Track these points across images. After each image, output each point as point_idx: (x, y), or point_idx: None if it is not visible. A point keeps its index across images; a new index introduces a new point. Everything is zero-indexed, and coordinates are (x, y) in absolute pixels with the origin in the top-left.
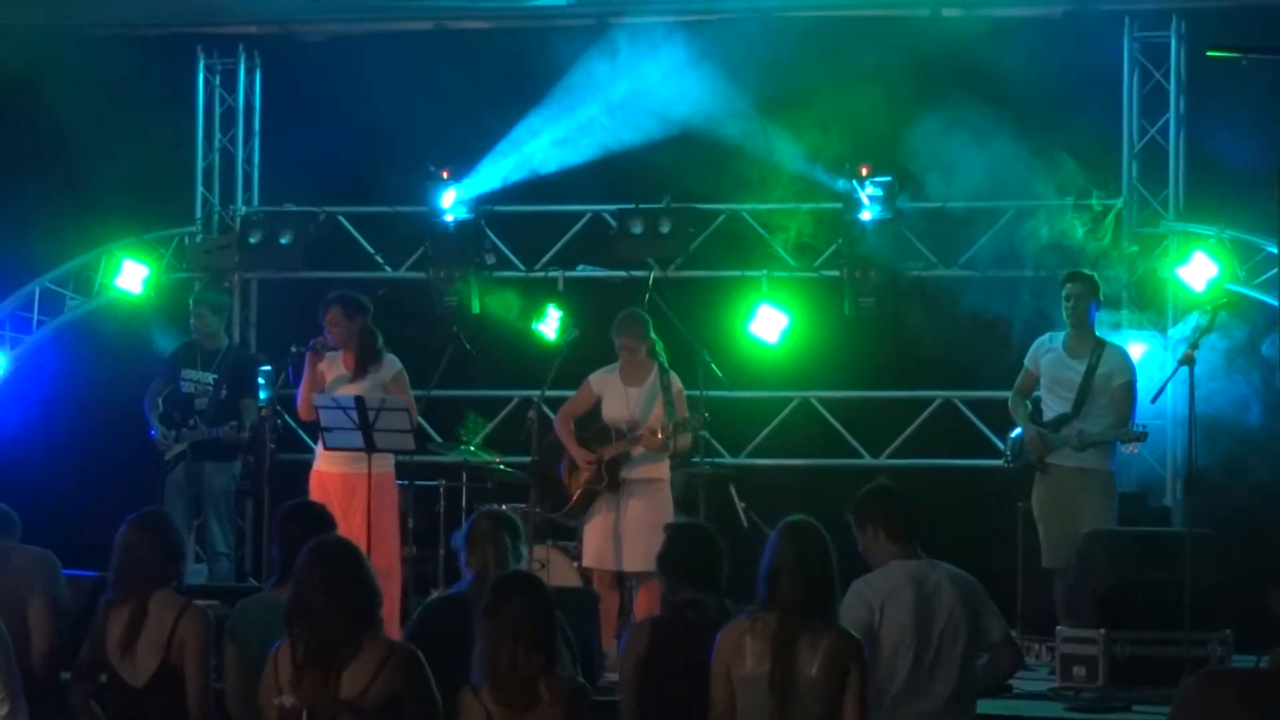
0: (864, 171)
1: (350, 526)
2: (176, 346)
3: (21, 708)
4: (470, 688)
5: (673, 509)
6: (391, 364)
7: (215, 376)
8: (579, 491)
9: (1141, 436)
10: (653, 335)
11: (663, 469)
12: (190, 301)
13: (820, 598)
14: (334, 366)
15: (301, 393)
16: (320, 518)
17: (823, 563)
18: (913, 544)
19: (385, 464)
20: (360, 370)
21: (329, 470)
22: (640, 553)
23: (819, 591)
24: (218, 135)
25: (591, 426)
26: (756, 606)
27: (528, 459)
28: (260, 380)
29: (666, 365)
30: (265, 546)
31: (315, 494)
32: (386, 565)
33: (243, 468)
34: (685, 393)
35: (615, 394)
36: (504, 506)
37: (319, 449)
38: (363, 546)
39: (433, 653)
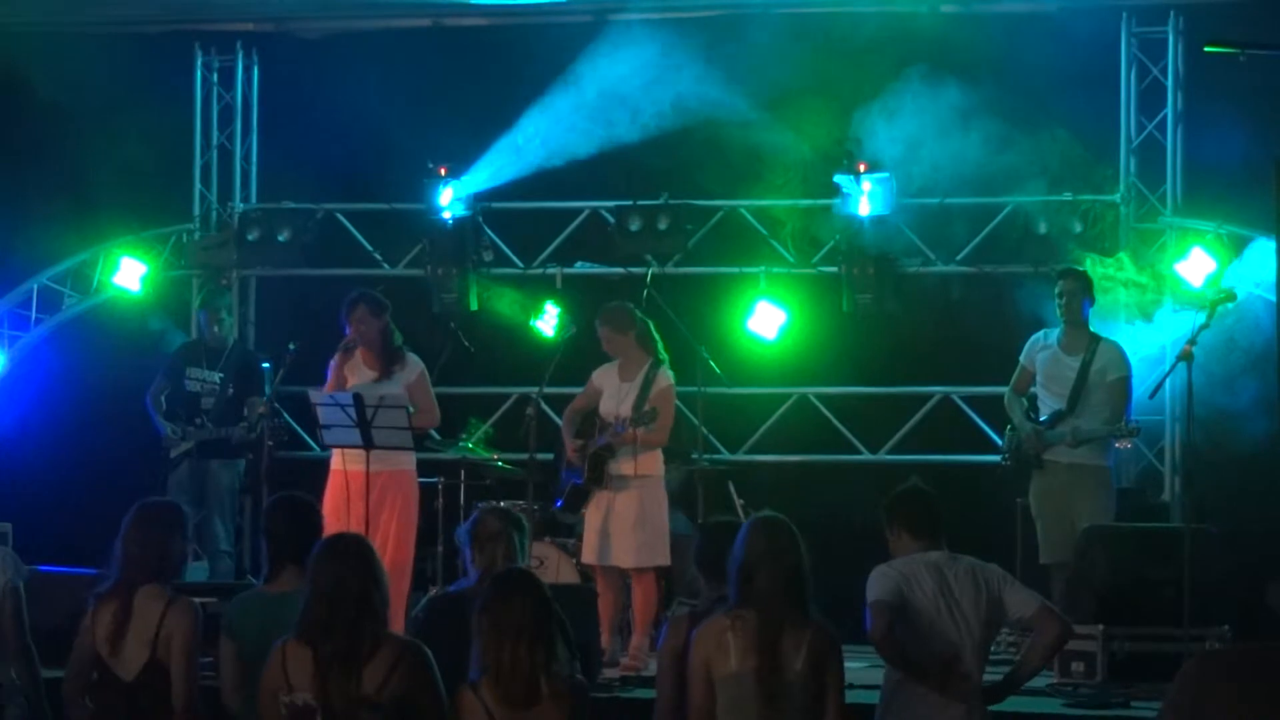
0: (861, 167)
1: (378, 524)
2: (179, 345)
3: None
4: (469, 685)
5: (664, 504)
6: (415, 363)
7: (221, 375)
8: (569, 486)
9: (1134, 432)
10: (643, 327)
11: (648, 464)
12: (199, 303)
13: (796, 591)
14: (356, 368)
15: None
16: (306, 511)
17: (795, 556)
18: (936, 539)
19: (408, 460)
20: (385, 369)
21: (353, 469)
22: (627, 548)
23: (795, 585)
24: (215, 132)
25: (591, 420)
26: (732, 604)
27: (525, 456)
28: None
29: (662, 359)
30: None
31: (334, 492)
32: (404, 561)
33: (245, 465)
34: (673, 388)
35: (611, 388)
36: (503, 504)
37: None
38: (390, 543)
39: (437, 649)
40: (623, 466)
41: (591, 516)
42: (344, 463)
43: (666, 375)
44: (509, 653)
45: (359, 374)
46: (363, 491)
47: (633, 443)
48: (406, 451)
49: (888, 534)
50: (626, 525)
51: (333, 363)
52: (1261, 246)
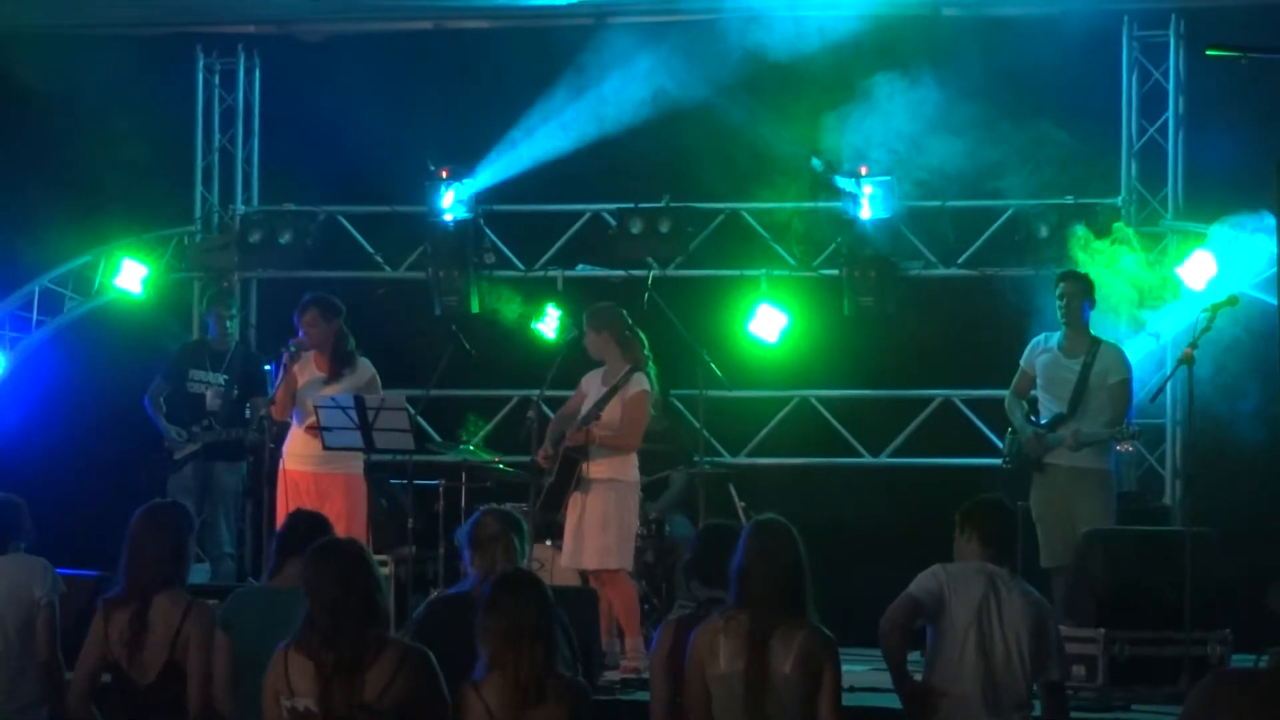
0: (863, 170)
1: None
2: (180, 347)
3: None
4: (472, 685)
5: (632, 509)
6: (365, 367)
7: (226, 377)
8: (543, 487)
9: (1136, 435)
10: (616, 329)
11: (618, 469)
12: (205, 304)
13: (791, 593)
14: (307, 369)
15: (279, 394)
16: (323, 526)
17: (792, 558)
18: (1002, 553)
19: (355, 464)
20: (335, 373)
21: (299, 470)
22: (593, 550)
23: (790, 587)
24: (217, 135)
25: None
26: (729, 606)
27: (527, 458)
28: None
29: (642, 365)
30: (266, 544)
31: (283, 493)
32: None
33: (247, 468)
34: (647, 395)
35: (593, 393)
36: (503, 506)
37: (285, 447)
38: None
39: (436, 652)
40: (593, 469)
41: (569, 520)
42: (287, 462)
43: (640, 381)
44: (512, 653)
45: (308, 374)
46: (310, 491)
47: (584, 441)
48: (353, 455)
49: (957, 535)
50: (593, 527)
51: (280, 363)
52: (1218, 233)
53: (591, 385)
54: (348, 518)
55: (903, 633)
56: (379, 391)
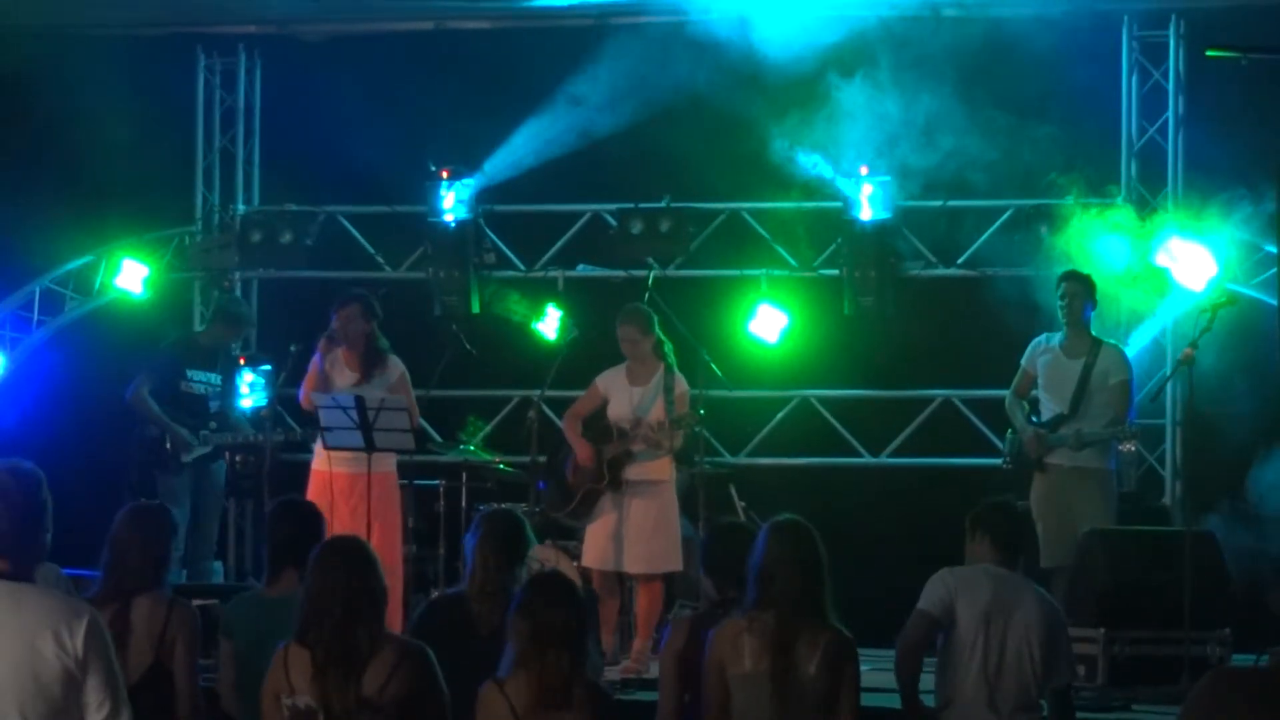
0: (863, 170)
1: (357, 525)
2: (170, 344)
3: (124, 705)
4: (496, 682)
5: (677, 510)
6: (396, 365)
7: (220, 376)
8: (582, 491)
9: (1137, 435)
10: (658, 333)
11: (666, 469)
12: (229, 312)
13: (814, 594)
14: (337, 365)
15: (306, 387)
16: (309, 516)
17: (813, 559)
18: (1012, 556)
19: (389, 462)
20: (366, 371)
21: (333, 470)
22: (641, 554)
23: (812, 588)
24: (218, 135)
25: (598, 424)
26: (750, 606)
27: (527, 459)
28: (260, 380)
29: (674, 366)
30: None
31: (316, 494)
32: (392, 563)
33: (245, 467)
34: (689, 393)
35: (620, 393)
36: (503, 506)
37: (318, 447)
38: (376, 545)
39: (436, 651)
40: (643, 471)
41: (601, 521)
42: (329, 464)
43: (684, 381)
44: (541, 656)
45: (342, 376)
46: (347, 492)
47: (665, 447)
48: (388, 454)
49: (968, 539)
50: (644, 531)
51: (315, 356)
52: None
53: (613, 385)
54: (384, 517)
55: (920, 656)
56: (410, 389)
